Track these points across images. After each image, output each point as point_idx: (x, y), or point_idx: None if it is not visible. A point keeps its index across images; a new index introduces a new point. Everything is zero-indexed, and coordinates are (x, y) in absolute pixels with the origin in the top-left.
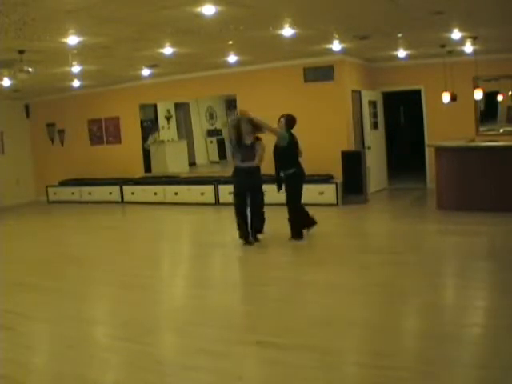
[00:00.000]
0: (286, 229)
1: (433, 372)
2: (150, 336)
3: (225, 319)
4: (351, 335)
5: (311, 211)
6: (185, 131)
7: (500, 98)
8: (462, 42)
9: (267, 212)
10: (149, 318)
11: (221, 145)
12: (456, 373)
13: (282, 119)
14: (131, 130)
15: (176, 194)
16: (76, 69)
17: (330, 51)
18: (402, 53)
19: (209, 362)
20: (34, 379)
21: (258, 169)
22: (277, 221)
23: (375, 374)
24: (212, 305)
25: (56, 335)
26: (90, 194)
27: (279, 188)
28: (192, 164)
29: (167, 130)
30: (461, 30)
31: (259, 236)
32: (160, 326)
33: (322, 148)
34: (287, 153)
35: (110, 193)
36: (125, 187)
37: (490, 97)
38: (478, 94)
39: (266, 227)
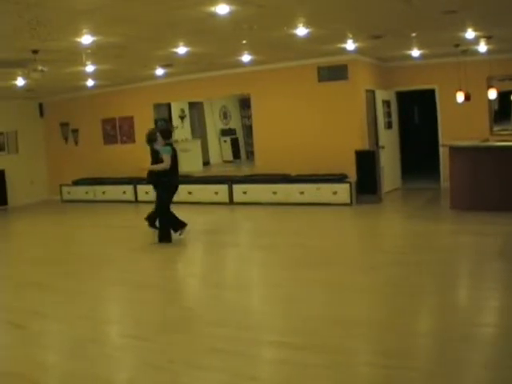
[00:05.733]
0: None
1: (444, 372)
2: (162, 335)
3: (238, 319)
4: (363, 335)
5: (322, 210)
6: (199, 130)
7: None
8: (476, 41)
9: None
10: (161, 317)
11: (235, 144)
12: (467, 373)
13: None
14: (145, 130)
15: (190, 193)
16: (90, 68)
17: (344, 50)
18: (415, 52)
19: (221, 362)
20: (47, 377)
21: None
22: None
23: (386, 374)
24: (225, 304)
25: (69, 334)
26: (103, 193)
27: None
28: (206, 163)
29: (181, 129)
30: (475, 30)
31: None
32: (173, 325)
33: (335, 147)
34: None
35: (124, 192)
36: (139, 186)
37: (504, 96)
38: (492, 94)
39: None
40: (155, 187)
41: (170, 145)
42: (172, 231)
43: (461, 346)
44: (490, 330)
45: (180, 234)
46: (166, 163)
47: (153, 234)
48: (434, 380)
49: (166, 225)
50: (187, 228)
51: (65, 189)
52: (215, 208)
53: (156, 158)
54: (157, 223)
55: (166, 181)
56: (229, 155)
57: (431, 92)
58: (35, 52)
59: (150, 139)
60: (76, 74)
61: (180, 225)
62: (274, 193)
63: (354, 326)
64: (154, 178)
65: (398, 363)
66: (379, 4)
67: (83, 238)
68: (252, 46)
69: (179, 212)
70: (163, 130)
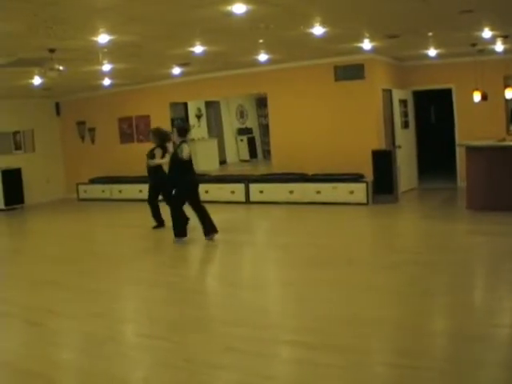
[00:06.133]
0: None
1: (459, 372)
2: (178, 334)
3: (253, 318)
4: (378, 335)
5: (338, 210)
6: (215, 129)
7: None
8: (492, 40)
9: None
10: (177, 316)
11: (251, 143)
12: (483, 373)
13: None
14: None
15: (206, 192)
16: (106, 67)
17: (361, 50)
18: (432, 52)
19: (236, 361)
20: (62, 376)
21: None
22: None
23: (402, 374)
24: (240, 304)
25: (85, 332)
26: (120, 191)
27: None
28: (222, 162)
29: (198, 128)
30: (491, 29)
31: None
32: (189, 323)
33: (352, 147)
34: None
35: (140, 191)
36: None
37: None
38: (509, 94)
39: None
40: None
41: (187, 143)
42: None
43: (476, 346)
44: (506, 331)
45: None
46: (187, 151)
47: (169, 232)
48: (448, 380)
49: (179, 220)
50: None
51: (81, 187)
52: (232, 207)
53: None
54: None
55: (187, 181)
56: (245, 154)
57: (448, 91)
58: (52, 51)
59: (163, 139)
60: (93, 73)
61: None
62: (291, 192)
63: (368, 325)
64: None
65: (412, 363)
66: (396, 3)
67: (99, 237)
68: (268, 45)
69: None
70: (179, 128)
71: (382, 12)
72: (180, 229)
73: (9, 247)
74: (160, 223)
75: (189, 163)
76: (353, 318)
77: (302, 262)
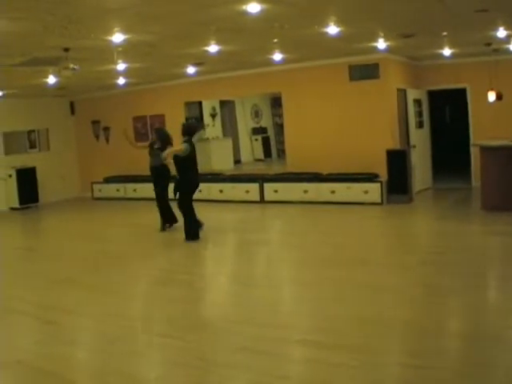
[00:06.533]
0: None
1: (474, 373)
2: (192, 333)
3: (266, 317)
4: (392, 335)
5: (352, 210)
6: (230, 129)
7: None
8: (507, 40)
9: None
10: (191, 314)
11: (266, 143)
12: (497, 374)
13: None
14: (176, 128)
15: (221, 191)
16: (121, 66)
17: (375, 49)
18: (447, 51)
19: (249, 360)
20: (75, 374)
21: None
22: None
23: (415, 374)
24: (253, 303)
25: (99, 331)
26: (134, 190)
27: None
28: (237, 162)
29: (212, 128)
30: (506, 28)
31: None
32: (202, 322)
33: (366, 146)
34: None
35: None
36: (169, 184)
37: None
38: None
39: None
40: (157, 185)
41: (190, 142)
42: (163, 222)
43: (490, 348)
44: None
45: (164, 230)
46: (183, 148)
47: (182, 230)
48: (461, 381)
49: (191, 222)
50: (175, 225)
51: (96, 186)
52: (246, 206)
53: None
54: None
55: (187, 179)
56: (260, 154)
57: (462, 91)
58: (66, 50)
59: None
60: (107, 72)
61: (171, 220)
62: (305, 191)
63: (381, 325)
64: (161, 177)
65: (424, 363)
66: (410, 3)
67: (113, 235)
68: (283, 44)
69: (210, 210)
70: (184, 127)
71: (396, 11)
72: (193, 231)
73: (23, 245)
74: (172, 220)
75: (189, 161)
76: (366, 318)
77: (315, 262)
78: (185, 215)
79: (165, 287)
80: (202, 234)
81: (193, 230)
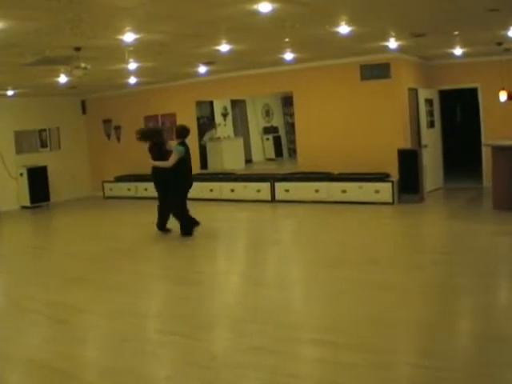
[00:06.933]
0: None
1: (486, 374)
2: (203, 332)
3: (277, 317)
4: (402, 335)
5: (364, 209)
6: (241, 128)
7: None
8: None
9: None
10: (202, 313)
11: (277, 142)
12: (509, 376)
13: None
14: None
15: (232, 190)
16: (132, 66)
17: (387, 49)
18: (458, 51)
19: (261, 360)
20: (86, 373)
21: None
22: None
23: (426, 375)
24: (264, 302)
25: (109, 329)
26: (145, 190)
27: None
28: (248, 161)
29: (223, 127)
30: None
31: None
32: (213, 322)
33: (378, 146)
34: None
35: None
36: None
37: None
38: None
39: None
40: (158, 186)
41: (184, 144)
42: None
43: (502, 347)
44: None
45: (167, 230)
46: (170, 162)
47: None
48: (477, 382)
49: (185, 220)
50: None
51: (107, 185)
52: (257, 206)
53: (159, 154)
54: (168, 225)
55: (180, 183)
56: (271, 153)
57: (474, 91)
58: (78, 49)
59: (148, 136)
60: (118, 72)
61: (165, 229)
62: (317, 191)
63: (392, 325)
64: (160, 177)
65: (436, 364)
66: (422, 2)
67: (124, 234)
68: (294, 44)
69: (221, 209)
70: (178, 129)
71: (407, 11)
72: (188, 227)
73: (34, 244)
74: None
75: (183, 162)
76: (377, 318)
77: (326, 261)
78: (177, 215)
79: (176, 286)
80: (212, 232)
81: (189, 226)
